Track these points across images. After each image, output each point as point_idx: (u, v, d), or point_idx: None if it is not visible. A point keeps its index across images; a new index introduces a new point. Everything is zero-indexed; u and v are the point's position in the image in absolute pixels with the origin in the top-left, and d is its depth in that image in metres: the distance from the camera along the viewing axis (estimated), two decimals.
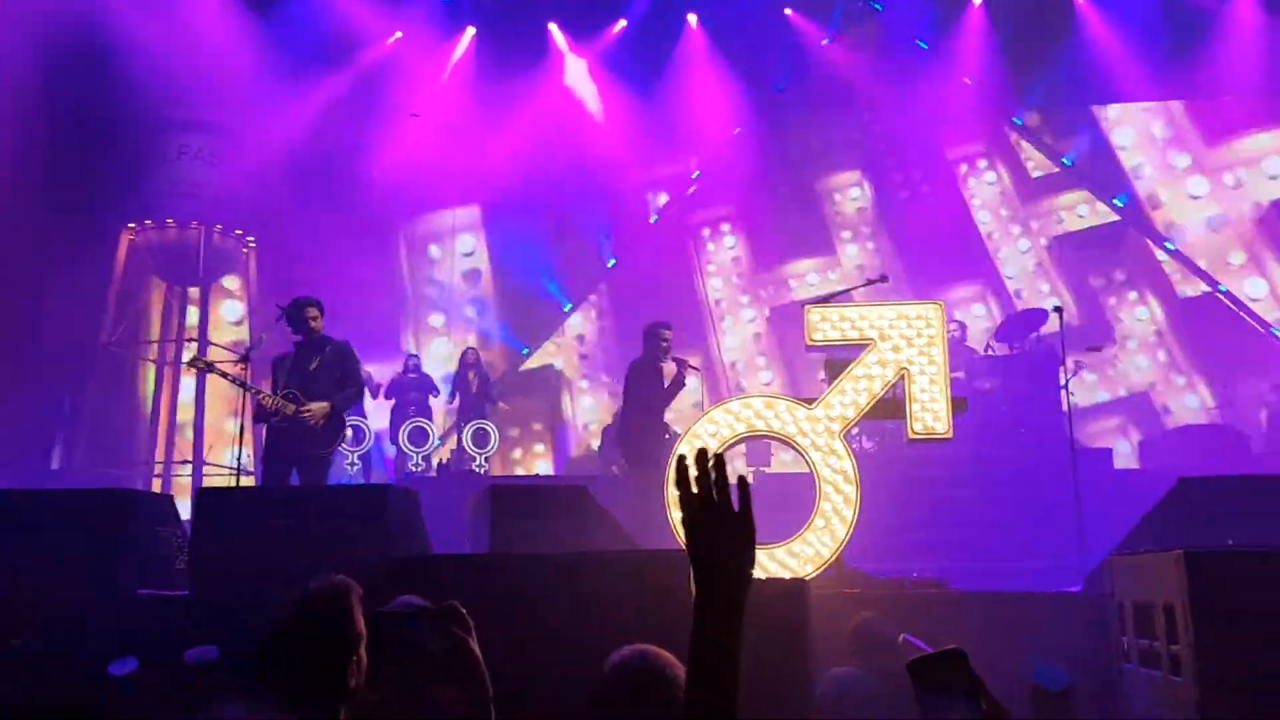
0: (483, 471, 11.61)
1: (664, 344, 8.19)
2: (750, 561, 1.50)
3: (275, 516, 5.40)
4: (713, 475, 1.50)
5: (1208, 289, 13.65)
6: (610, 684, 2.24)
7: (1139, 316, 13.94)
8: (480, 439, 12.03)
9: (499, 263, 14.74)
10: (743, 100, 14.46)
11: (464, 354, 12.81)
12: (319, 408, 7.30)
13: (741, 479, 1.55)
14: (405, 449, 12.16)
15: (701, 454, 1.52)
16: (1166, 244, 13.92)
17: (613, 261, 14.53)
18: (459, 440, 12.22)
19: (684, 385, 8.29)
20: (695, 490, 1.51)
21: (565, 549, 5.17)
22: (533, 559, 4.66)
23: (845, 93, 14.58)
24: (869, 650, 4.81)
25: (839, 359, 6.75)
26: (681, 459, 1.52)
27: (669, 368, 8.25)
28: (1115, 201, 14.15)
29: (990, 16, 14.08)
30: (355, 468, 12.09)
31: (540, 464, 14.46)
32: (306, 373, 7.46)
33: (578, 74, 14.62)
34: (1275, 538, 5.19)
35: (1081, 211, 14.32)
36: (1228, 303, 13.55)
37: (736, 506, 1.51)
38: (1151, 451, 11.42)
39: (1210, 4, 13.60)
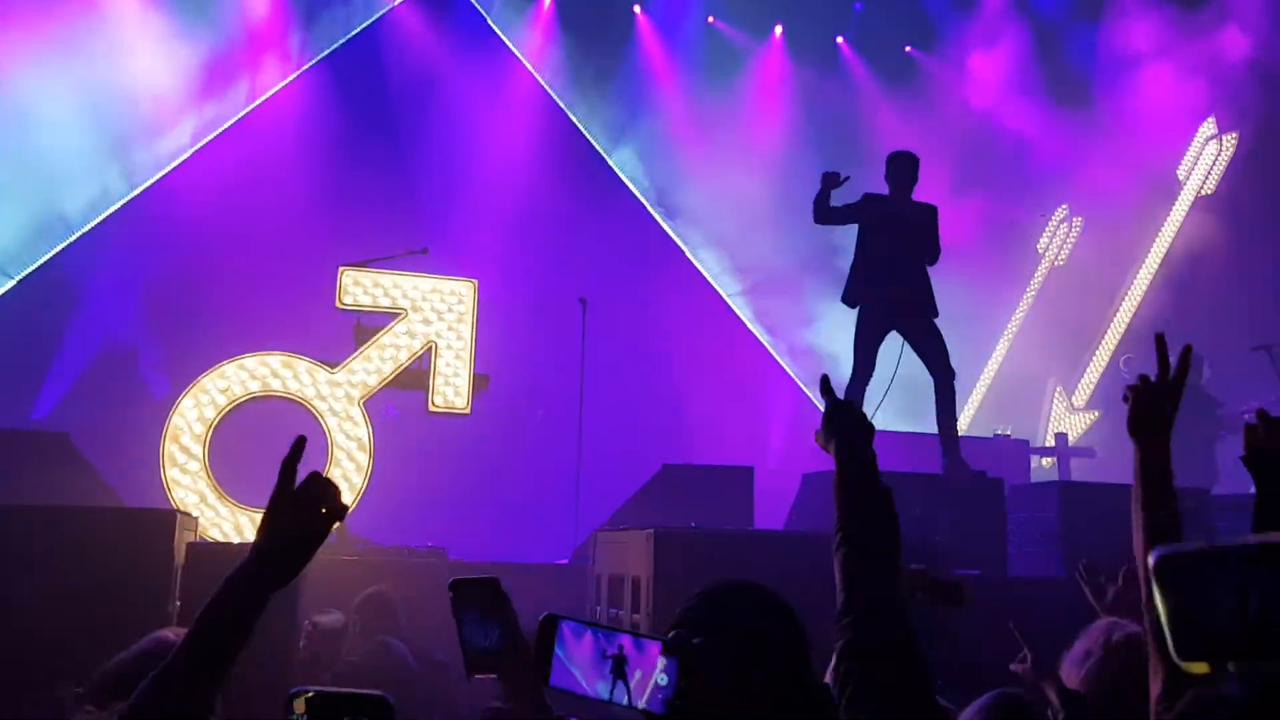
0: None
1: None
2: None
3: None
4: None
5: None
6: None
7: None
8: None
9: None
10: (298, 52, 13.72)
11: None
12: None
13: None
14: None
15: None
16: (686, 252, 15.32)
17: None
18: None
19: None
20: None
21: (35, 503, 4.64)
22: None
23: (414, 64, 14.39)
24: (377, 617, 4.94)
25: (369, 324, 6.70)
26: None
27: None
28: (645, 204, 15.31)
29: (559, 11, 14.63)
30: None
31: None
32: None
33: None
34: (731, 519, 5.94)
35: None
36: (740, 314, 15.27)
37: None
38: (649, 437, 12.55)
39: (745, 42, 15.16)
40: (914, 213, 6.44)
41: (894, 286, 6.30)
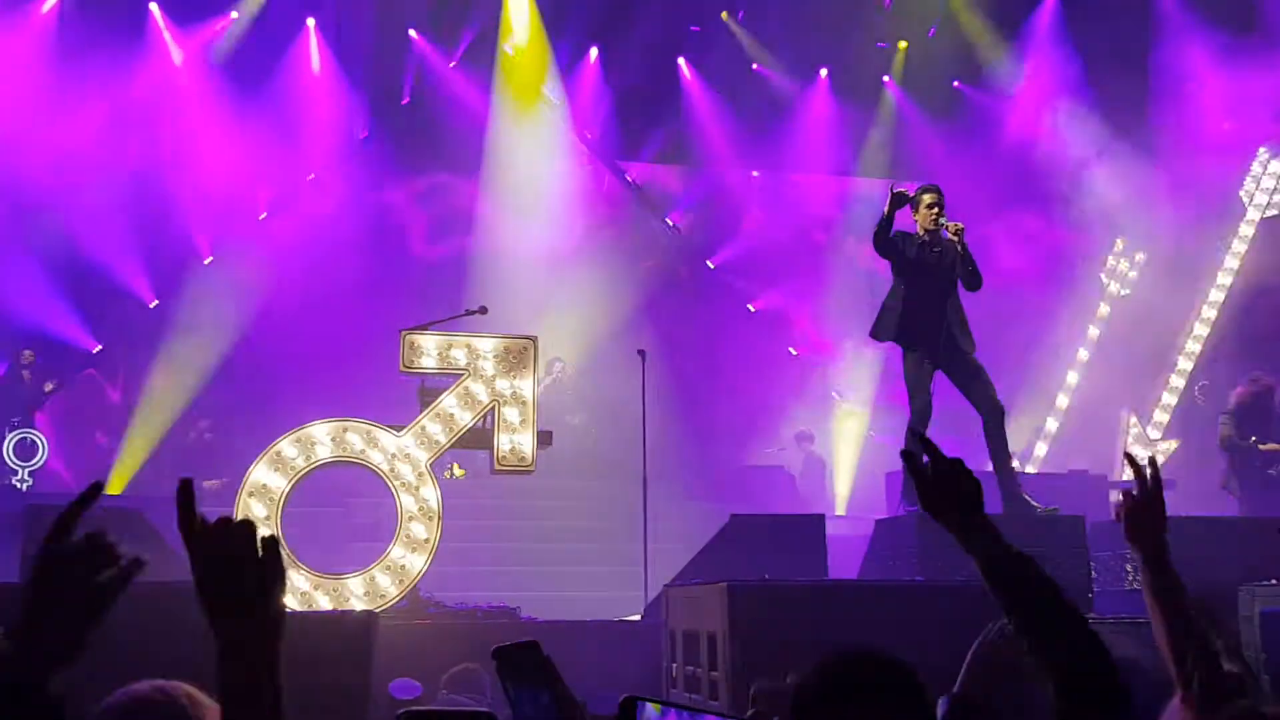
0: (24, 488, 10.28)
1: None
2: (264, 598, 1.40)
3: None
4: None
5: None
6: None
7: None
8: (26, 450, 10.67)
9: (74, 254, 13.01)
10: (364, 108, 14.07)
11: (20, 354, 11.33)
12: None
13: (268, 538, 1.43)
14: None
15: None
16: (749, 306, 15.24)
17: (210, 259, 13.22)
18: None
19: None
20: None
21: None
22: None
23: (470, 120, 14.58)
24: (467, 691, 4.92)
25: (432, 386, 6.74)
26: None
27: None
28: (707, 263, 15.32)
29: (604, 71, 14.78)
30: None
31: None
32: None
33: (181, 62, 13.46)
34: (802, 569, 5.83)
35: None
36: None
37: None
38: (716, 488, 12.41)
39: (791, 87, 15.20)
40: (944, 245, 6.22)
41: (932, 327, 6.14)
